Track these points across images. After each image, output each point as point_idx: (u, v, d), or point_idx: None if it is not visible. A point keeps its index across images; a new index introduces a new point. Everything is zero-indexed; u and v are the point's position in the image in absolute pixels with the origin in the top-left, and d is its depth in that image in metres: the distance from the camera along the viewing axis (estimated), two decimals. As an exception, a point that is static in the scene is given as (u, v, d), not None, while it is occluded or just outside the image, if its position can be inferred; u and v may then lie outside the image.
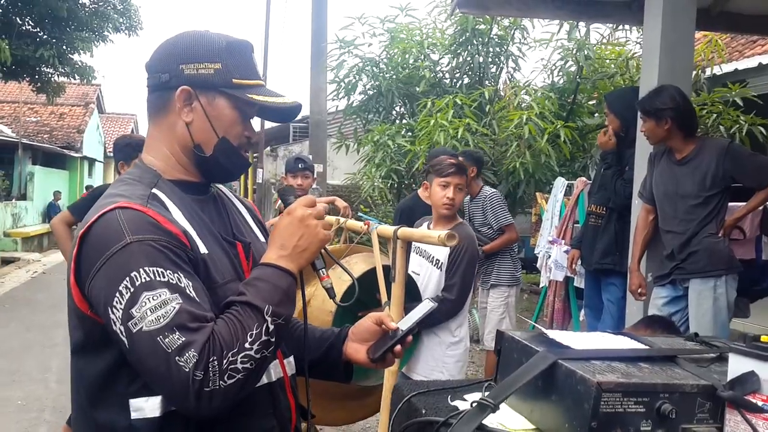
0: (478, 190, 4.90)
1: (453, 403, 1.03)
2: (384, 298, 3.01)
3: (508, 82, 6.85)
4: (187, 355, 1.12)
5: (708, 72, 6.52)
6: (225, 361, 1.15)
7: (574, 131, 5.95)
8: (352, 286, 1.53)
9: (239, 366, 1.16)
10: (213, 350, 1.14)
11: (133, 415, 1.21)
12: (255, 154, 17.12)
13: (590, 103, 7.46)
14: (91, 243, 1.20)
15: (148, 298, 1.14)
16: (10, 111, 22.61)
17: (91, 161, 25.69)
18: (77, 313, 1.25)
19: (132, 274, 1.15)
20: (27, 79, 12.28)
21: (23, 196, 18.06)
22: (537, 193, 6.20)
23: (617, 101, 4.12)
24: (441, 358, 3.28)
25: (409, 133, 7.08)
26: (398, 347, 1.44)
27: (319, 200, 4.19)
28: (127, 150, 4.07)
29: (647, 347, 0.95)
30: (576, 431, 0.82)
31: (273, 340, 1.22)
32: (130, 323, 1.13)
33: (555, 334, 0.96)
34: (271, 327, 1.21)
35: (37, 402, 5.05)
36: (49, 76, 12.23)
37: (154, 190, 1.31)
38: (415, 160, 6.27)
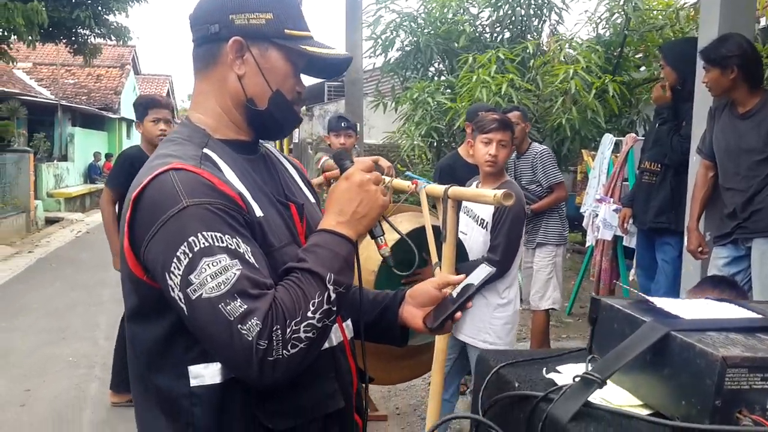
0: (527, 147, 4.76)
1: (548, 376, 0.95)
2: (434, 258, 2.94)
3: (552, 35, 6.59)
4: (249, 323, 1.07)
5: (763, 22, 6.20)
6: (288, 330, 1.10)
7: (622, 85, 5.72)
8: (407, 250, 1.46)
9: (302, 335, 1.12)
10: (276, 318, 1.10)
11: (193, 383, 1.18)
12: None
13: (637, 56, 7.18)
14: (145, 207, 1.15)
15: (208, 264, 1.09)
16: (48, 73, 22.84)
17: (129, 122, 25.89)
18: (132, 278, 1.21)
19: (190, 240, 1.10)
20: (64, 41, 12.32)
21: (64, 158, 18.35)
22: (583, 150, 6.03)
23: (674, 53, 3.92)
24: (488, 320, 3.22)
25: (448, 90, 6.91)
26: (458, 314, 1.38)
27: (361, 159, 4.12)
28: (138, 110, 4.09)
29: (762, 316, 0.86)
30: (696, 409, 0.74)
31: (334, 309, 1.17)
32: (189, 290, 1.09)
33: (659, 302, 0.88)
34: (333, 296, 1.16)
35: (86, 359, 5.15)
36: (86, 37, 12.24)
37: (206, 150, 1.26)
38: (455, 118, 6.12)
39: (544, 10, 7.36)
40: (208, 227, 1.11)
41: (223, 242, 1.11)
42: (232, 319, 1.07)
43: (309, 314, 1.12)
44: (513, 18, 7.23)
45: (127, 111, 24.66)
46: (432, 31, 7.51)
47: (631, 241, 4.95)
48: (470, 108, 4.64)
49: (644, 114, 7.03)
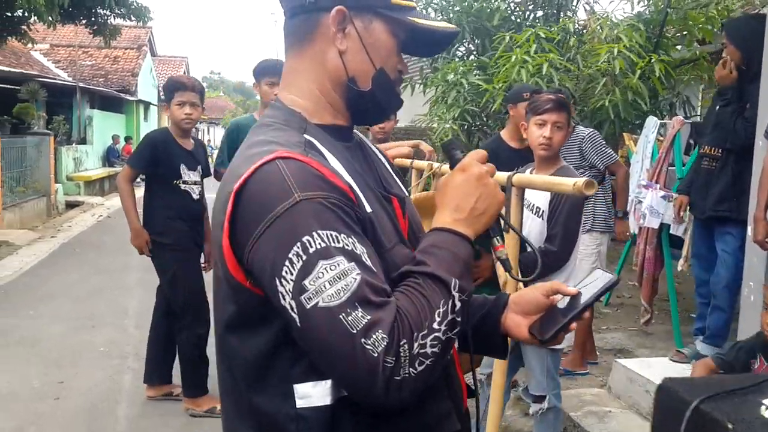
0: (571, 130, 4.56)
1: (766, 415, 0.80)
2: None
3: (592, 13, 6.34)
4: (374, 336, 0.93)
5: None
6: (416, 345, 0.96)
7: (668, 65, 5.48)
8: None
9: (428, 350, 0.97)
10: (402, 332, 0.95)
11: (299, 403, 1.03)
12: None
13: (676, 35, 6.91)
14: (251, 201, 1.00)
15: (325, 268, 0.94)
16: (65, 55, 22.75)
17: (147, 104, 25.86)
18: (231, 284, 1.05)
19: (304, 239, 0.95)
20: (83, 22, 12.17)
21: (83, 140, 18.30)
22: (624, 134, 5.80)
23: (738, 31, 3.70)
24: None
25: (479, 71, 6.70)
26: (573, 325, 1.22)
27: (402, 144, 3.94)
28: (166, 92, 4.01)
29: None
30: None
31: (459, 319, 1.03)
32: (303, 297, 0.94)
33: None
34: (458, 304, 1.02)
35: (117, 348, 5.06)
36: (106, 17, 12.10)
37: (307, 136, 1.10)
38: (490, 100, 5.92)
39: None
40: (323, 225, 0.97)
41: (339, 242, 0.96)
42: (355, 331, 0.93)
43: (435, 326, 0.98)
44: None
45: (144, 93, 24.60)
46: (463, 10, 7.28)
47: (678, 230, 4.75)
48: (512, 90, 4.44)
49: (683, 96, 6.78)
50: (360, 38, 1.13)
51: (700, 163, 3.89)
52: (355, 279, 0.95)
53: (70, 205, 14.11)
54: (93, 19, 12.07)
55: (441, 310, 1.00)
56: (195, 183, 3.98)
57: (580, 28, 5.95)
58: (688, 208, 4.08)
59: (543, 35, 5.68)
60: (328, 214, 0.98)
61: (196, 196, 3.98)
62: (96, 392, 4.22)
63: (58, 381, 4.37)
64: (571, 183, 2.13)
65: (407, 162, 3.90)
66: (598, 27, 5.81)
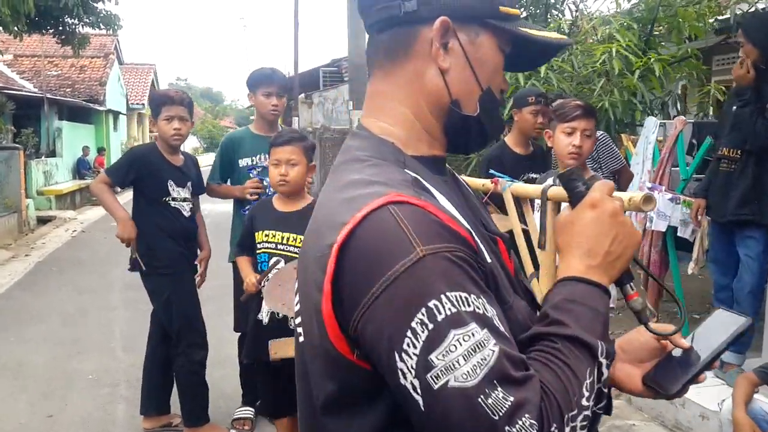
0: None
1: None
2: (528, 268, 2.63)
3: (582, 13, 6.25)
4: (521, 422, 0.76)
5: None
6: (567, 429, 0.79)
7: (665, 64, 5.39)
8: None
9: None
10: (551, 414, 0.78)
11: None
12: (291, 100, 16.57)
13: (663, 32, 6.83)
14: (362, 257, 0.81)
15: (458, 339, 0.77)
16: (30, 65, 22.16)
17: (116, 114, 25.32)
18: (331, 355, 0.86)
19: (431, 304, 0.77)
20: (51, 31, 11.80)
21: (52, 153, 17.80)
22: (622, 135, 5.71)
23: (757, 28, 3.60)
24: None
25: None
26: (702, 376, 1.05)
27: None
28: (152, 107, 3.79)
29: None
30: None
31: (605, 390, 0.86)
32: (429, 375, 0.76)
33: None
34: (604, 372, 0.86)
35: (107, 375, 4.80)
36: (74, 26, 11.74)
37: (409, 172, 0.92)
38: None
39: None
40: (452, 285, 0.79)
41: (470, 305, 0.79)
42: (498, 417, 0.75)
43: (584, 402, 0.82)
44: None
45: (113, 102, 24.09)
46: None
47: (686, 232, 4.66)
48: (517, 94, 4.30)
49: (675, 94, 6.73)
50: (465, 54, 0.96)
51: (717, 165, 3.78)
52: (493, 351, 0.78)
53: (42, 221, 13.66)
54: (61, 28, 11.71)
55: (588, 381, 0.83)
56: (185, 200, 3.75)
57: (572, 28, 5.84)
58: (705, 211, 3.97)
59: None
60: (455, 271, 0.80)
61: (187, 214, 3.75)
62: (89, 426, 3.97)
63: (47, 415, 4.11)
64: (626, 198, 1.98)
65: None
66: (592, 27, 5.71)
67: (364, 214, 0.82)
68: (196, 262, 3.85)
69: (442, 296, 0.78)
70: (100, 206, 16.76)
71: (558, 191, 2.37)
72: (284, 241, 2.94)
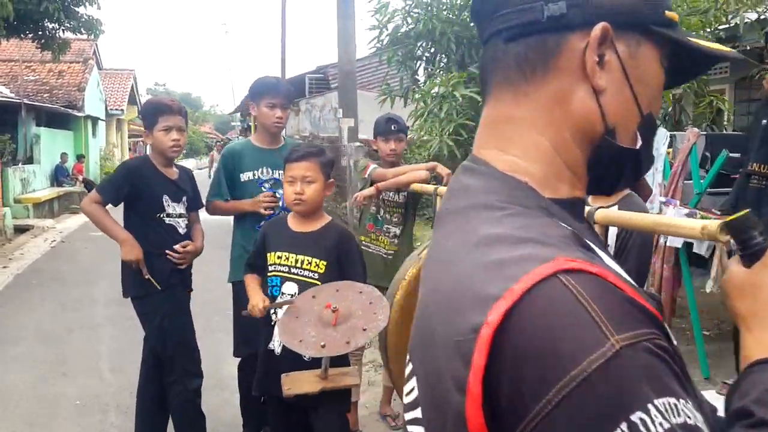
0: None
1: None
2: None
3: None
4: None
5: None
6: None
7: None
8: None
9: None
10: None
11: None
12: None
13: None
14: (528, 348, 0.59)
15: None
16: (6, 70, 21.64)
17: (94, 120, 24.82)
18: None
19: (634, 418, 0.56)
20: (30, 36, 11.44)
21: (29, 160, 17.33)
22: (629, 146, 5.57)
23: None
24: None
25: (470, 83, 6.37)
26: None
27: (418, 167, 3.56)
28: (147, 117, 3.46)
29: None
30: None
31: None
32: None
33: None
34: None
35: (96, 400, 4.52)
36: (54, 31, 11.39)
37: (564, 225, 0.71)
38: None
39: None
40: (658, 389, 0.58)
41: (680, 414, 0.57)
42: None
43: None
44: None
45: (92, 108, 23.61)
46: (446, 19, 6.97)
47: (702, 248, 4.51)
48: None
49: (681, 105, 6.61)
50: (624, 70, 0.74)
51: (747, 181, 3.64)
52: None
53: (19, 230, 13.24)
54: (40, 32, 11.36)
55: None
56: (180, 216, 3.50)
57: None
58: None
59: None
60: (660, 368, 0.59)
61: (182, 230, 3.50)
62: (79, 459, 3.71)
63: (32, 447, 3.84)
64: (698, 226, 1.78)
65: (428, 189, 3.53)
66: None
67: (527, 288, 0.61)
68: (180, 248, 3.50)
69: (650, 405, 0.56)
70: (79, 214, 16.29)
71: (610, 215, 2.17)
72: (298, 264, 2.72)
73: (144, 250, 3.34)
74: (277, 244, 2.77)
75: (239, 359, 3.73)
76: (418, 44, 7.34)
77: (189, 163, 50.91)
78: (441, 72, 6.77)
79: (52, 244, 11.68)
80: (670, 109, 6.47)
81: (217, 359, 4.75)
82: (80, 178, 20.29)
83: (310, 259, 2.71)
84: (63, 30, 11.49)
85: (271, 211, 3.53)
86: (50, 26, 11.23)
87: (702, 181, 4.77)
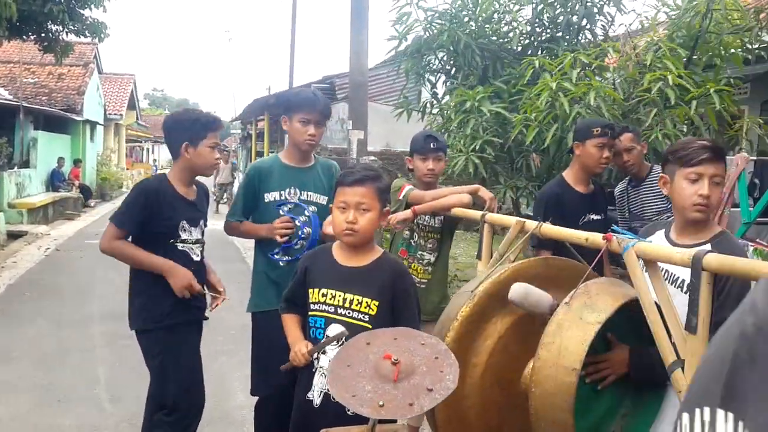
0: (647, 171, 3.95)
1: None
2: (668, 356, 2.08)
3: (628, 37, 5.77)
4: None
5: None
6: None
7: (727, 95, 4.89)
8: None
9: None
10: None
11: None
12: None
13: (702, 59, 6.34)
14: None
15: None
16: (5, 71, 21.27)
17: (93, 124, 24.44)
18: None
19: None
20: (33, 37, 11.09)
21: (26, 164, 16.93)
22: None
23: None
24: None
25: (495, 98, 6.05)
26: None
27: (460, 190, 3.20)
28: (195, 128, 3.10)
29: None
30: None
31: None
32: None
33: None
34: None
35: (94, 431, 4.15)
36: (57, 33, 11.04)
37: None
38: (518, 131, 5.30)
39: (596, 9, 6.56)
40: None
41: None
42: None
43: None
44: (567, 17, 6.42)
45: (91, 113, 23.23)
46: (470, 31, 6.66)
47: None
48: (579, 124, 3.80)
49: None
50: None
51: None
52: None
53: (13, 236, 12.83)
54: (43, 34, 11.00)
55: None
56: (197, 242, 3.15)
57: (618, 51, 5.37)
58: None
59: (586, 60, 5.06)
60: None
61: (196, 257, 3.13)
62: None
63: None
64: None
65: (473, 215, 3.18)
66: (637, 52, 5.23)
67: None
68: (209, 294, 3.22)
69: None
70: (74, 220, 15.93)
71: (726, 262, 1.83)
72: (347, 305, 2.36)
73: (149, 281, 3.00)
74: (322, 279, 2.41)
75: (255, 397, 3.37)
76: (440, 56, 7.01)
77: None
78: (463, 86, 6.44)
79: (46, 252, 11.28)
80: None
81: (221, 386, 4.38)
82: (76, 183, 19.90)
83: (360, 298, 2.35)
84: (66, 32, 11.14)
85: (287, 239, 3.18)
86: (54, 28, 10.88)
87: (751, 210, 4.45)
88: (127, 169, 32.40)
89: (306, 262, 2.53)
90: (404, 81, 7.85)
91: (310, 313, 2.42)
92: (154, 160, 47.12)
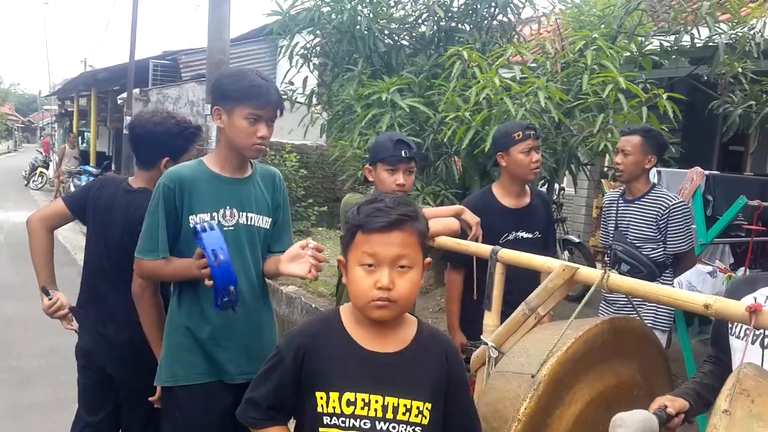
0: (648, 188, 3.43)
1: None
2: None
3: (555, 23, 5.22)
4: None
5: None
6: None
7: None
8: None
9: None
10: None
11: None
12: (120, 97, 13.99)
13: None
14: None
15: None
16: None
17: None
18: None
19: None
20: None
21: None
22: (603, 180, 4.83)
23: None
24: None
25: (410, 93, 5.32)
26: None
27: (444, 212, 2.44)
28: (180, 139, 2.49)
29: None
30: None
31: None
32: None
33: None
34: None
35: None
36: None
37: None
38: (437, 130, 4.64)
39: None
40: None
41: None
42: None
43: None
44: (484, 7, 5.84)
45: None
46: (370, 13, 5.88)
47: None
48: (498, 133, 3.14)
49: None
50: None
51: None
52: None
53: None
54: None
55: None
56: None
57: (555, 47, 4.82)
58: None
59: (526, 55, 4.46)
60: None
61: None
62: None
63: None
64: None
65: (480, 250, 2.42)
66: (567, 51, 4.73)
67: None
68: None
69: None
70: None
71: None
72: (389, 415, 1.49)
73: None
74: (343, 376, 1.51)
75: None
76: (334, 40, 6.14)
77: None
78: (363, 75, 5.64)
79: None
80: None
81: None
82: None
83: (408, 402, 1.50)
84: None
85: (210, 281, 2.16)
86: None
87: (708, 231, 4.11)
88: None
89: (303, 341, 1.58)
90: (270, 60, 6.88)
91: (321, 430, 1.52)
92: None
